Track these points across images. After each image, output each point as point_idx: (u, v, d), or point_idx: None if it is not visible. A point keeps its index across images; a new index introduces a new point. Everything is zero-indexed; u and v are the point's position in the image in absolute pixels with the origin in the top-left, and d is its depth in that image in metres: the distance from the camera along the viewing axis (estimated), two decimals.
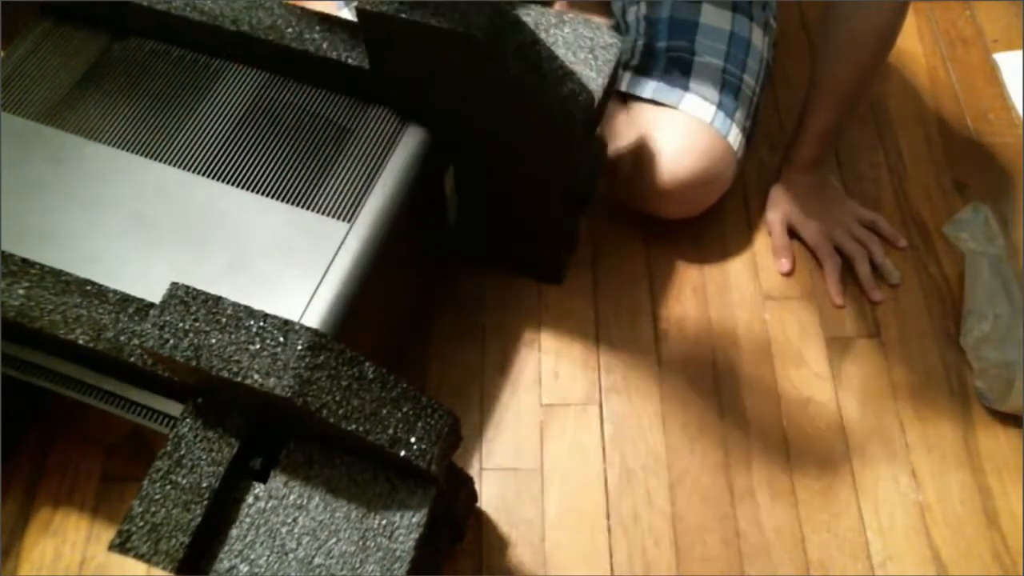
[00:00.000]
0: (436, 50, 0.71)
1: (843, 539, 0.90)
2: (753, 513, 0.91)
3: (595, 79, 0.80)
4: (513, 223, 0.96)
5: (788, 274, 1.05)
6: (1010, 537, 0.90)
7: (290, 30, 0.78)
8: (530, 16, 0.82)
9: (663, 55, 1.00)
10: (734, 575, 0.88)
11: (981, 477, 0.93)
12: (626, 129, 1.00)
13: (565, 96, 0.74)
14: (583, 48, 0.81)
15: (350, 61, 0.77)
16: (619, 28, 1.10)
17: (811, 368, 0.99)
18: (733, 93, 0.99)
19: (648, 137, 0.98)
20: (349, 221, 0.74)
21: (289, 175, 0.76)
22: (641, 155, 0.98)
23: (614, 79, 0.83)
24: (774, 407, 0.97)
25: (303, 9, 0.80)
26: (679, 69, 0.99)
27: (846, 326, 1.02)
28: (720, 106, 0.97)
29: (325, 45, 0.78)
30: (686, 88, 0.98)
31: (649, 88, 0.99)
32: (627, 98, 1.03)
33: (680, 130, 0.97)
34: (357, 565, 0.61)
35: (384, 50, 0.75)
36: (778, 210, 1.07)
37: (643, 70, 1.00)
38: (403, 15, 0.69)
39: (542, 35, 0.81)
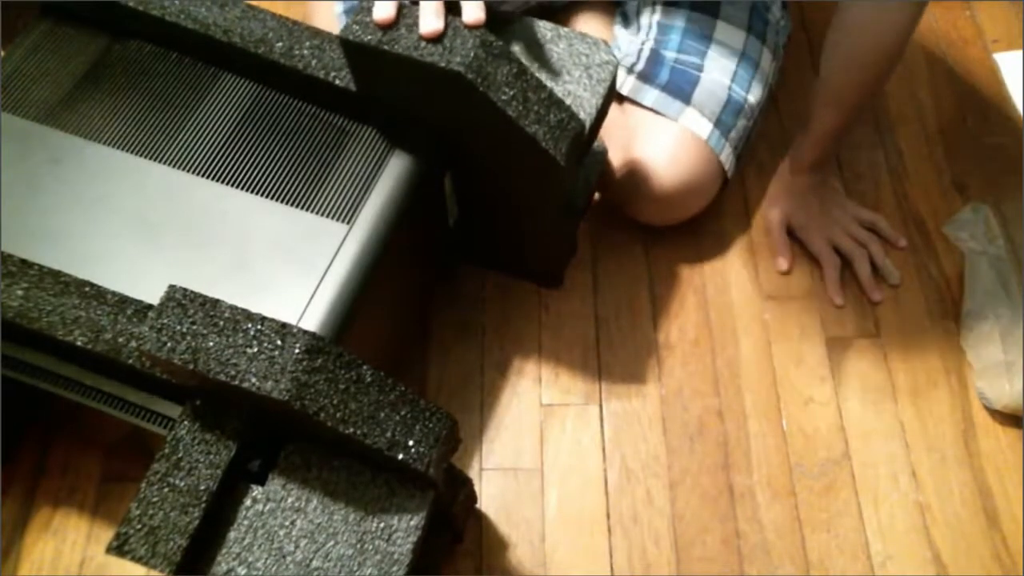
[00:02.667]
0: (421, 82, 0.71)
1: (843, 539, 0.90)
2: (753, 513, 0.91)
3: (588, 99, 0.79)
4: (509, 233, 0.96)
5: (787, 272, 1.05)
6: (1010, 537, 0.90)
7: (280, 44, 0.77)
8: (526, 30, 0.82)
9: (669, 65, 1.00)
10: (734, 575, 0.88)
11: (981, 477, 0.93)
12: (620, 132, 1.00)
13: (553, 126, 0.73)
14: (578, 65, 0.81)
15: (337, 82, 0.77)
16: (626, 20, 1.09)
17: (811, 368, 0.99)
18: (734, 112, 0.99)
19: (642, 143, 0.98)
20: (348, 223, 0.74)
21: (288, 176, 0.76)
22: (632, 160, 0.98)
23: (609, 98, 0.82)
24: (774, 407, 0.97)
25: (296, 22, 0.80)
26: (683, 82, 0.99)
27: (846, 326, 1.02)
28: (718, 124, 0.97)
29: (314, 63, 0.77)
30: (687, 102, 0.98)
31: (651, 97, 0.99)
32: (624, 100, 1.02)
33: (674, 141, 0.97)
34: (355, 568, 0.61)
35: (369, 78, 0.74)
36: (777, 209, 1.07)
37: (646, 77, 1.00)
38: (385, 48, 0.69)
39: (537, 50, 0.81)
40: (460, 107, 0.73)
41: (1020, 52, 1.22)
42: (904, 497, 0.92)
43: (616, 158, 0.99)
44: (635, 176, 0.98)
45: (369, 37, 0.69)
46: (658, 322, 1.02)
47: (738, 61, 1.00)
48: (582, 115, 0.77)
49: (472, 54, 0.68)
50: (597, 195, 1.09)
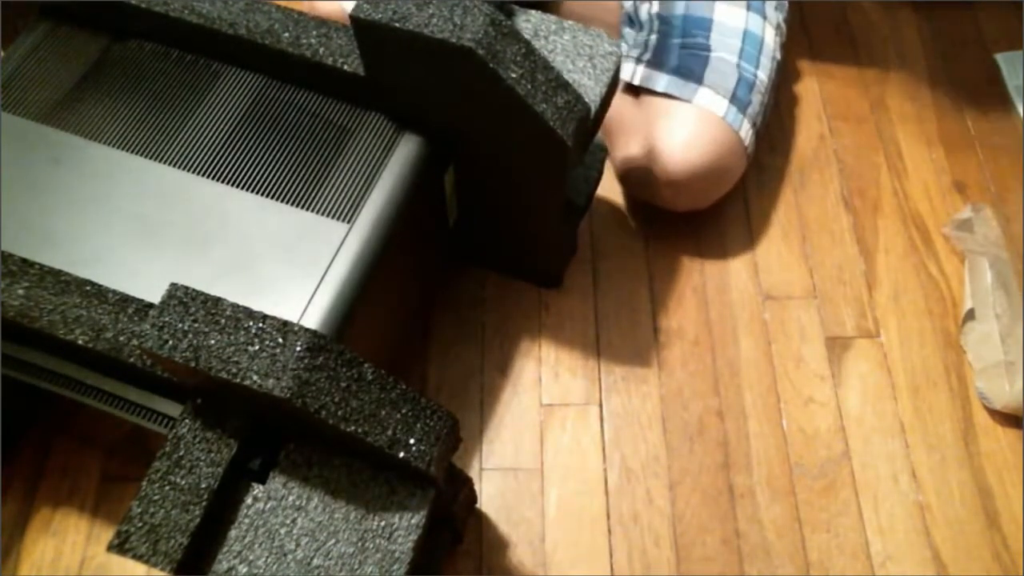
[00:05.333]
0: (430, 60, 0.71)
1: (843, 539, 0.90)
2: (753, 513, 0.91)
3: (593, 88, 0.79)
4: (510, 231, 0.96)
5: None
6: (1010, 537, 0.90)
7: (287, 35, 0.78)
8: (530, 22, 0.82)
9: (676, 50, 1.01)
10: (734, 575, 0.88)
11: (981, 477, 0.93)
12: (637, 121, 1.00)
13: (560, 107, 0.74)
14: (582, 56, 0.81)
15: (346, 67, 0.77)
16: (632, 22, 1.10)
17: (811, 368, 0.99)
18: (747, 88, 0.99)
19: (660, 128, 0.98)
20: (349, 222, 0.74)
21: (289, 176, 0.76)
22: (653, 145, 0.98)
23: (613, 88, 0.82)
24: (774, 407, 0.97)
25: (301, 13, 0.80)
26: (693, 64, 0.99)
27: (846, 326, 1.02)
28: (733, 100, 0.98)
29: (321, 51, 0.77)
30: (700, 82, 0.98)
31: (662, 82, 0.99)
32: (638, 91, 1.03)
33: (692, 121, 0.97)
34: (356, 566, 0.61)
35: (379, 58, 0.74)
36: None
37: (656, 64, 1.00)
38: (396, 25, 0.69)
39: (541, 42, 0.81)
40: (468, 87, 0.73)
41: (1020, 52, 1.22)
42: (904, 497, 0.92)
43: (637, 148, 1.00)
44: (659, 162, 0.98)
45: (380, 15, 0.69)
46: (658, 322, 1.02)
47: (742, 38, 1.01)
48: (587, 101, 0.78)
49: (483, 31, 0.68)
50: (622, 190, 1.09)
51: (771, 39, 1.04)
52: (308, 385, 0.58)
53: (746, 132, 0.99)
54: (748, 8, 1.03)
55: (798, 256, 1.07)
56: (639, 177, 1.02)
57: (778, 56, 1.05)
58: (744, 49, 1.01)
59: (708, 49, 1.00)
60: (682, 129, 0.97)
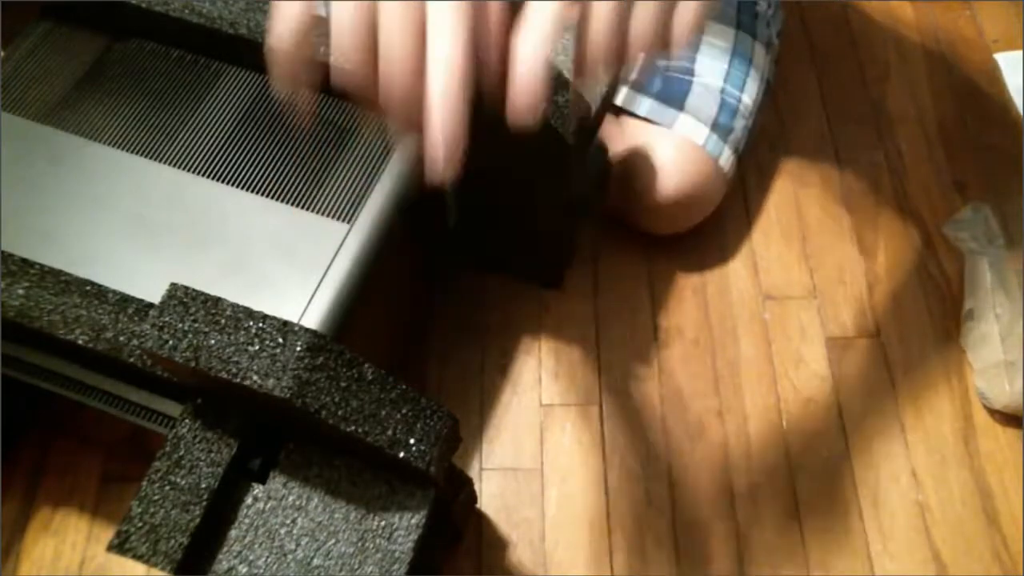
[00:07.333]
0: None
1: (843, 539, 0.90)
2: (753, 513, 0.91)
3: (593, 86, 0.79)
4: (511, 231, 0.96)
5: None
6: (1010, 537, 0.90)
7: None
8: None
9: (660, 73, 1.00)
10: (734, 575, 0.88)
11: (981, 477, 0.93)
12: (617, 144, 1.00)
13: (560, 106, 0.74)
14: None
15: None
16: None
17: (811, 368, 0.99)
18: (730, 114, 0.98)
19: (639, 154, 0.97)
20: (349, 222, 0.74)
21: (289, 175, 0.76)
22: (631, 171, 0.98)
23: (615, 86, 0.82)
24: (774, 407, 0.97)
25: None
26: (676, 89, 0.98)
27: (846, 326, 1.02)
28: (714, 128, 0.97)
29: (322, 50, 0.77)
30: (681, 108, 0.97)
31: (644, 106, 0.99)
32: (620, 112, 1.02)
33: (671, 150, 0.96)
34: (356, 566, 0.61)
35: None
36: None
37: (639, 87, 1.00)
38: None
39: None
40: None
41: (1020, 52, 1.22)
42: (904, 497, 0.92)
43: (616, 171, 0.99)
44: (635, 187, 0.97)
45: None
46: (658, 322, 1.02)
47: (729, 60, 1.00)
48: (587, 100, 0.77)
49: None
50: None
51: (761, 59, 1.03)
52: (308, 385, 0.57)
53: (726, 159, 0.99)
54: (737, 27, 1.02)
55: (798, 256, 1.07)
56: (616, 199, 1.02)
57: (768, 74, 1.05)
58: (730, 72, 1.00)
59: (692, 73, 0.99)
60: (661, 157, 0.97)
